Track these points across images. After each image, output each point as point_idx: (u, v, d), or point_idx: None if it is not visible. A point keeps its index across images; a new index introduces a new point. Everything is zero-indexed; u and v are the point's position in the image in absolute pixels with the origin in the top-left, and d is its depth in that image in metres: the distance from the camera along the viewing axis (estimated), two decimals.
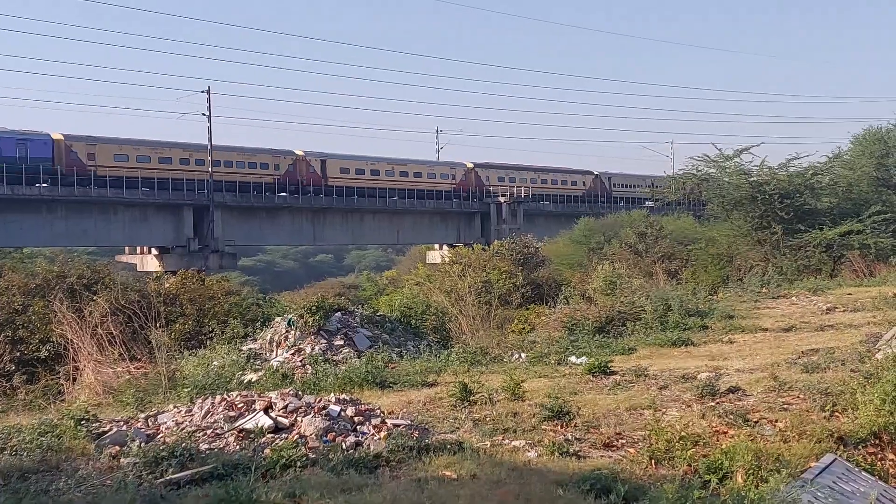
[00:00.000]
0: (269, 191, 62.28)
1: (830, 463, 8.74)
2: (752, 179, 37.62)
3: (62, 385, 15.65)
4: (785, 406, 11.05)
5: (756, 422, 10.30)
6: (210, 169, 58.72)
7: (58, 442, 9.59)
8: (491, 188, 74.67)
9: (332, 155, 67.97)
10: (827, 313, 20.93)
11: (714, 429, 9.95)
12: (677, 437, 9.00)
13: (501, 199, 73.42)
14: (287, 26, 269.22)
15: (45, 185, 52.40)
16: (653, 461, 8.73)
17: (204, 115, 60.96)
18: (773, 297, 25.08)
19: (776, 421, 10.32)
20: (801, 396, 11.47)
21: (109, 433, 10.08)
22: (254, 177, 61.88)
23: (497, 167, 78.41)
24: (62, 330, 16.66)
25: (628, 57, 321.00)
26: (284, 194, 63.32)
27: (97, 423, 10.53)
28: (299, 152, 65.72)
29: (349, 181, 66.85)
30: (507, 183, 76.05)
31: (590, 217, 56.99)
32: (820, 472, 8.36)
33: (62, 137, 55.04)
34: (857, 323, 18.73)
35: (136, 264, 59.80)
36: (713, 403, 11.20)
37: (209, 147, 59.50)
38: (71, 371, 15.74)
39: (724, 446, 8.81)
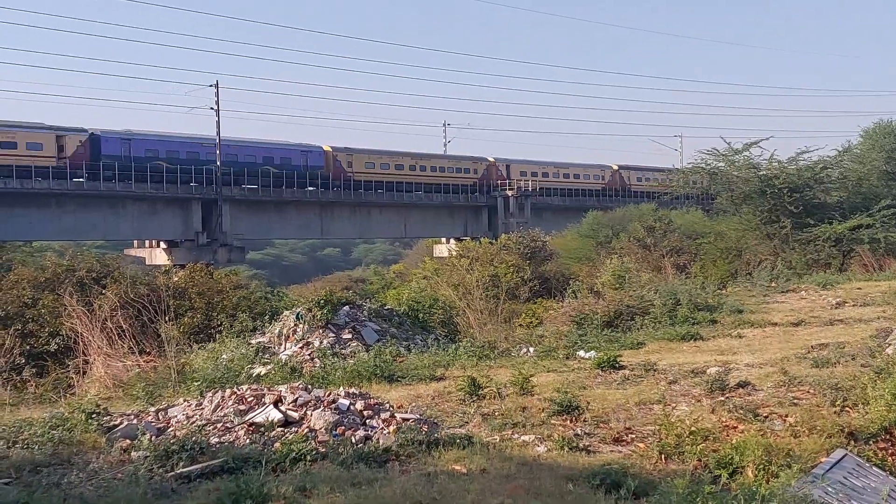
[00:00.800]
0: (301, 186, 63.51)
1: (841, 458, 8.72)
2: (761, 173, 37.54)
3: (72, 378, 15.70)
4: (795, 401, 11.03)
5: (766, 417, 10.28)
6: (218, 163, 58.81)
7: (69, 435, 9.63)
8: (512, 182, 75.26)
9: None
10: (836, 308, 20.88)
11: (724, 424, 9.93)
12: (687, 432, 8.99)
13: (509, 193, 73.33)
14: (297, 20, 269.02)
15: (60, 179, 52.77)
16: (663, 456, 8.72)
17: (212, 108, 61.02)
18: (783, 292, 25.02)
19: (786, 416, 10.30)
20: (812, 391, 11.44)
21: (120, 427, 10.11)
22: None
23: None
24: (72, 323, 16.71)
25: (637, 50, 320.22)
26: (293, 188, 63.46)
27: (108, 417, 10.56)
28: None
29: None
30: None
31: (598, 211, 56.87)
32: (831, 468, 8.34)
33: (330, 149, 66.34)
34: (867, 318, 18.68)
35: (144, 258, 59.88)
36: (723, 398, 11.18)
37: (217, 140, 59.56)
38: (81, 364, 15.80)
39: (734, 441, 8.80)
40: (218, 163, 58.70)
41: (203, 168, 58.41)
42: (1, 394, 14.21)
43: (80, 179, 53.50)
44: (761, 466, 8.01)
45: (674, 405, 10.92)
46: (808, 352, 14.52)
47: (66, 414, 10.48)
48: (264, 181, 60.45)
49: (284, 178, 61.55)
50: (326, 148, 66.00)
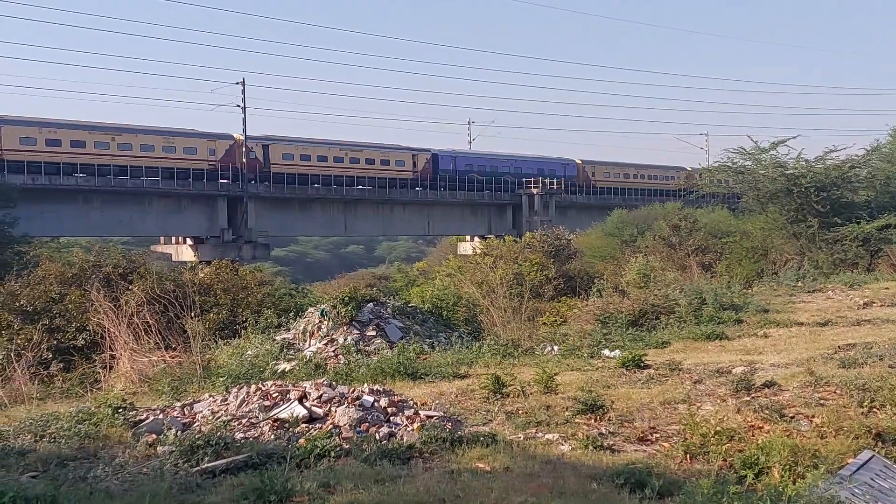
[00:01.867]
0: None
1: (868, 459, 8.64)
2: (787, 172, 37.23)
3: (99, 373, 15.79)
4: (821, 401, 10.93)
5: (792, 417, 10.20)
6: (244, 160, 59.13)
7: (95, 430, 9.71)
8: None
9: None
10: (864, 308, 20.72)
11: (749, 424, 9.86)
12: (712, 432, 8.93)
13: (534, 191, 73.19)
14: (319, 18, 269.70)
15: (82, 175, 53.40)
16: (687, 456, 8.68)
17: (239, 106, 61.35)
18: (809, 292, 24.86)
19: (813, 416, 10.21)
20: (838, 392, 11.33)
21: (146, 421, 10.17)
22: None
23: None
24: (98, 319, 16.82)
25: (662, 47, 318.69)
26: (318, 185, 64.06)
27: (134, 412, 10.63)
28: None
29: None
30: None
31: (622, 209, 56.68)
32: (857, 469, 8.26)
33: (580, 161, 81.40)
34: (895, 318, 18.50)
35: (171, 254, 60.37)
36: (748, 398, 11.10)
37: (244, 138, 59.89)
38: (107, 359, 15.89)
39: (759, 441, 8.73)
40: (244, 160, 59.10)
41: (502, 179, 74.36)
42: (28, 388, 14.31)
43: (109, 176, 54.09)
44: (787, 467, 7.94)
45: (699, 405, 10.86)
46: (835, 352, 14.40)
47: (93, 408, 10.56)
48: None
49: None
50: (577, 161, 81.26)
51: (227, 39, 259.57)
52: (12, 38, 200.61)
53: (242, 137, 61.06)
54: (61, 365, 16.73)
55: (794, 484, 7.32)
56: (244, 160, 60.38)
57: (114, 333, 15.96)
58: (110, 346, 15.96)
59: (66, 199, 53.89)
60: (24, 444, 9.38)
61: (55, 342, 18.27)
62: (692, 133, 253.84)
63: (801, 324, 18.34)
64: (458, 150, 77.36)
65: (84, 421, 9.99)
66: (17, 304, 19.59)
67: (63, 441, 9.37)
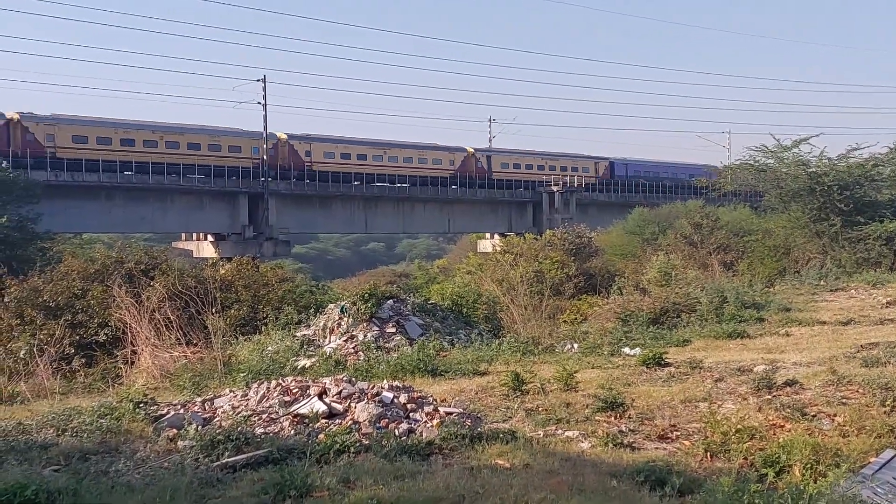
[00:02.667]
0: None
1: (891, 458, 8.56)
2: (810, 170, 36.91)
3: (120, 368, 15.90)
4: (843, 400, 10.84)
5: (814, 416, 10.12)
6: (264, 157, 59.37)
7: (117, 424, 9.77)
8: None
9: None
10: (887, 307, 20.53)
11: (771, 422, 9.80)
12: (733, 430, 8.88)
13: (554, 189, 73.06)
14: (336, 15, 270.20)
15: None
16: (708, 454, 8.63)
17: (260, 103, 61.60)
18: (832, 290, 24.67)
19: (835, 415, 10.13)
20: (861, 391, 11.24)
21: (167, 416, 10.23)
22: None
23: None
24: (120, 314, 16.91)
25: (684, 45, 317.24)
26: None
27: (155, 407, 10.69)
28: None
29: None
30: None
31: (644, 207, 56.49)
32: (880, 468, 8.20)
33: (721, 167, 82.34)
34: None
35: (192, 251, 60.72)
36: (770, 396, 11.03)
37: (264, 135, 60.14)
38: (129, 355, 15.99)
39: (781, 440, 8.67)
40: (264, 157, 59.40)
41: (661, 183, 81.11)
42: (51, 383, 14.44)
43: (129, 173, 54.48)
44: (809, 466, 7.88)
45: (720, 403, 10.80)
46: (858, 351, 14.28)
47: (115, 403, 10.64)
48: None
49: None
50: (719, 166, 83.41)
51: (247, 37, 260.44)
52: (36, 37, 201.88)
53: (286, 136, 63.32)
54: (83, 360, 16.85)
55: (815, 483, 7.27)
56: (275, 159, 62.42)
57: (135, 329, 16.05)
58: (132, 342, 16.06)
59: (88, 195, 54.28)
60: (47, 438, 9.47)
61: (77, 337, 18.39)
62: (714, 131, 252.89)
63: (824, 323, 18.21)
64: (628, 158, 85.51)
65: (106, 415, 10.06)
66: (41, 299, 19.73)
67: (85, 435, 9.44)
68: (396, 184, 67.93)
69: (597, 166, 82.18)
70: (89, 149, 54.04)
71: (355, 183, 65.11)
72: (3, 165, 44.99)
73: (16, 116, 52.77)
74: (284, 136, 63.43)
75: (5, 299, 20.01)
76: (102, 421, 9.83)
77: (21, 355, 16.19)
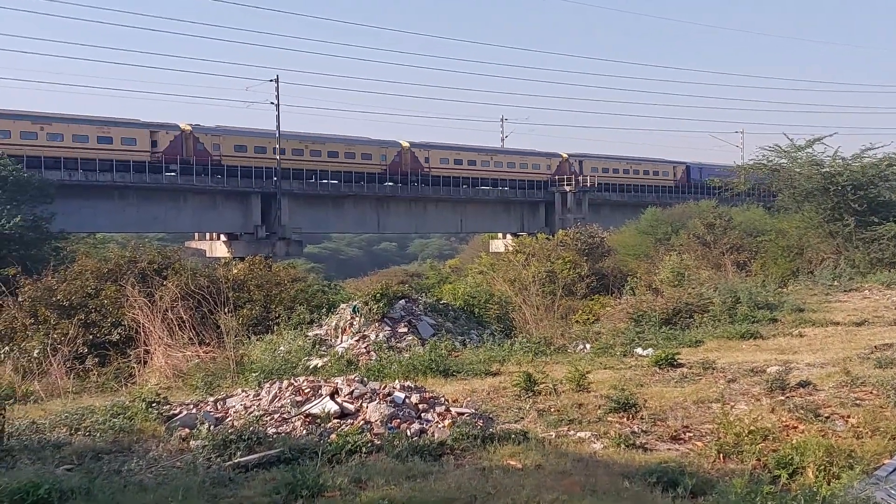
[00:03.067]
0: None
1: None
2: (824, 170, 36.76)
3: (133, 368, 15.96)
4: (857, 401, 10.78)
5: (827, 417, 10.07)
6: (278, 157, 59.51)
7: (129, 423, 9.80)
8: (587, 178, 76.52)
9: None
10: None
11: (784, 423, 9.75)
12: (746, 431, 8.84)
13: (567, 189, 72.98)
14: (353, 16, 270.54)
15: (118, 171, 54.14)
16: (721, 455, 8.59)
17: (272, 103, 61.72)
18: (845, 291, 24.57)
19: (848, 416, 10.08)
20: (875, 392, 11.18)
21: (179, 416, 10.26)
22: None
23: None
24: (133, 314, 16.97)
25: (698, 45, 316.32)
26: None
27: (167, 406, 10.72)
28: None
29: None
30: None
31: (657, 207, 56.34)
32: (894, 470, 8.15)
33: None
34: None
35: (205, 250, 60.89)
36: (783, 397, 10.98)
37: (277, 135, 60.28)
38: (142, 354, 16.05)
39: (794, 441, 8.62)
40: (278, 157, 59.49)
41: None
42: (64, 382, 14.50)
43: (144, 173, 54.69)
44: (822, 467, 7.84)
45: (732, 404, 10.75)
46: (872, 352, 14.21)
47: (127, 402, 10.67)
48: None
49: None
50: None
51: (259, 37, 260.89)
52: (49, 38, 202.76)
53: (408, 145, 67.55)
54: (96, 359, 16.93)
55: (828, 484, 7.24)
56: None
57: (148, 328, 16.11)
58: (145, 341, 16.12)
59: (102, 195, 54.48)
60: (60, 437, 9.51)
61: (91, 337, 18.48)
62: (728, 131, 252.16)
63: (837, 323, 18.13)
64: (703, 162, 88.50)
65: (118, 415, 10.10)
66: (54, 298, 19.84)
67: (98, 434, 9.48)
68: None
69: (675, 170, 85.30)
70: (249, 157, 59.35)
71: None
72: (11, 164, 45.06)
73: (188, 128, 57.43)
74: (407, 145, 68.49)
75: (19, 298, 20.12)
76: (115, 420, 9.86)
77: (35, 354, 16.27)
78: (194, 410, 10.54)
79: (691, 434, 9.61)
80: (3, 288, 20.25)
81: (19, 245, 39.44)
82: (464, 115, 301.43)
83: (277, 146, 59.70)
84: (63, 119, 52.84)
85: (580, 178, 74.41)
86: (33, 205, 43.96)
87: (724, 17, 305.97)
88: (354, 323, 18.04)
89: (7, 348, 16.99)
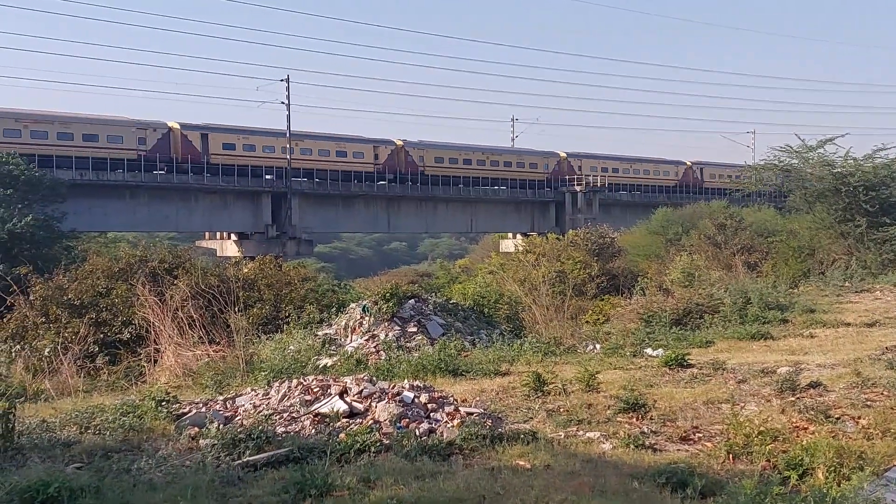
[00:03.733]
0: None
1: None
2: (835, 171, 36.65)
3: (143, 367, 16.01)
4: (868, 403, 10.74)
5: (838, 418, 10.03)
6: (289, 157, 59.60)
7: (139, 422, 9.83)
8: (581, 178, 75.23)
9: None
10: None
11: (794, 424, 9.71)
12: (756, 432, 8.80)
13: (577, 189, 72.87)
14: (360, 15, 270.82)
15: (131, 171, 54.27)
16: (730, 456, 8.56)
17: (283, 103, 61.81)
18: (857, 292, 24.48)
19: (859, 418, 10.04)
20: (886, 393, 11.13)
21: (189, 414, 10.28)
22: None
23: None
24: (144, 313, 17.02)
25: (710, 45, 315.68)
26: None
27: (177, 405, 10.73)
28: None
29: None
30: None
31: (668, 207, 56.20)
32: None
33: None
34: None
35: (215, 250, 61.01)
36: (793, 398, 10.94)
37: (287, 134, 60.36)
38: (152, 353, 16.09)
39: (804, 442, 8.59)
40: (289, 157, 59.56)
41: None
42: (75, 381, 14.55)
43: (156, 172, 54.85)
44: (832, 468, 7.81)
45: (742, 405, 10.72)
46: (883, 353, 14.15)
47: (137, 401, 10.70)
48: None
49: None
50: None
51: (271, 37, 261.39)
52: (62, 36, 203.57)
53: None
54: (107, 358, 16.98)
55: (838, 486, 7.21)
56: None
57: (159, 327, 16.15)
58: (155, 340, 16.16)
59: (113, 194, 54.63)
60: (70, 435, 9.54)
61: (101, 336, 18.54)
62: (739, 131, 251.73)
63: (849, 324, 18.07)
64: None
65: (128, 413, 10.12)
66: (65, 297, 19.91)
67: (108, 433, 9.51)
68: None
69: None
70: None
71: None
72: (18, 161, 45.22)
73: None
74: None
75: (31, 297, 20.19)
76: (125, 419, 9.89)
77: (46, 353, 16.31)
78: (204, 409, 10.56)
79: (701, 435, 9.59)
80: (15, 287, 20.34)
81: (31, 244, 39.65)
82: (473, 115, 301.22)
83: (288, 145, 59.73)
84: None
85: (578, 177, 74.08)
86: (45, 204, 44.17)
87: (736, 17, 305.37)
88: (364, 322, 18.05)
89: (18, 347, 17.04)
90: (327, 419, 9.59)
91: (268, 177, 60.24)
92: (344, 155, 64.13)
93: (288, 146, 59.90)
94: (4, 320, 19.24)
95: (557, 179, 74.60)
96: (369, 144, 65.88)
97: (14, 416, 9.18)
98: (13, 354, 16.21)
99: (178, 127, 57.06)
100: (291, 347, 16.68)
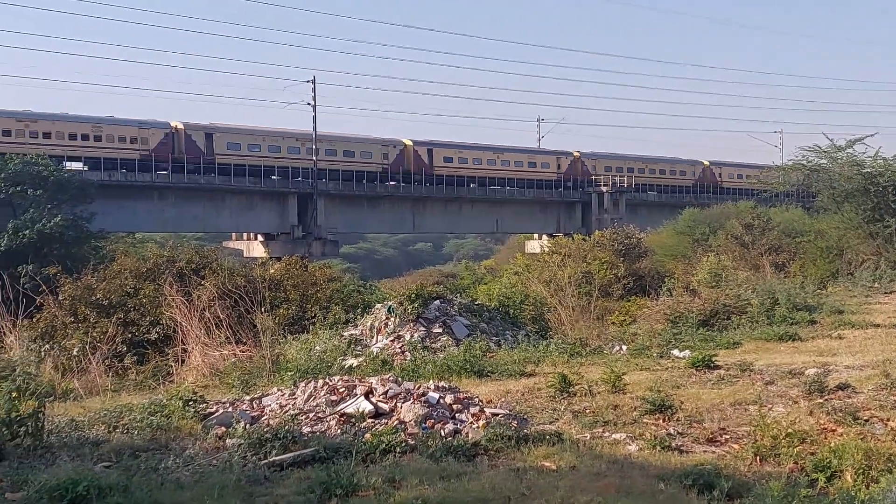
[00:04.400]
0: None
1: None
2: (864, 171, 36.30)
3: (171, 366, 16.11)
4: None
5: (866, 420, 9.94)
6: (315, 157, 59.84)
7: (167, 421, 9.90)
8: (595, 178, 74.32)
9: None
10: None
11: (822, 426, 9.64)
12: (783, 434, 8.75)
13: (603, 189, 72.65)
14: (385, 15, 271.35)
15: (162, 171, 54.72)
16: (758, 458, 8.51)
17: (309, 104, 62.06)
18: (886, 293, 24.28)
19: (888, 420, 9.95)
20: None
21: (216, 414, 10.34)
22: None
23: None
24: (171, 313, 17.13)
25: (737, 44, 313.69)
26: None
27: (204, 405, 10.79)
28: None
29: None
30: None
31: (695, 207, 55.87)
32: None
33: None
34: None
35: (242, 250, 61.32)
36: (821, 400, 10.86)
37: (314, 136, 60.60)
38: (179, 353, 16.20)
39: (832, 444, 8.53)
40: (315, 158, 59.77)
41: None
42: (103, 380, 14.67)
43: (182, 174, 55.24)
44: (861, 471, 7.74)
45: (770, 406, 10.65)
46: None
47: (165, 401, 10.76)
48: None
49: None
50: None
51: (298, 38, 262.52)
52: (90, 38, 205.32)
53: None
54: (135, 358, 17.07)
55: (867, 488, 7.16)
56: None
57: (186, 327, 16.25)
58: (182, 340, 16.26)
59: (141, 195, 55.12)
60: (99, 434, 9.63)
61: (129, 335, 18.65)
62: (767, 130, 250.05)
63: (878, 325, 17.91)
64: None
65: (156, 413, 10.20)
66: (94, 297, 20.06)
67: (136, 432, 9.59)
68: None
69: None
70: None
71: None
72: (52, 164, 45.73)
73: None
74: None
75: (60, 297, 20.37)
76: (153, 418, 9.97)
77: (74, 353, 16.47)
78: (230, 409, 10.61)
79: (728, 436, 9.54)
80: (44, 287, 20.52)
81: (60, 244, 40.11)
82: (497, 115, 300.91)
83: (314, 146, 59.94)
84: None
85: (604, 178, 73.73)
86: (73, 204, 44.62)
87: (762, 17, 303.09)
88: (389, 323, 18.06)
89: (47, 346, 17.19)
90: (353, 419, 9.62)
91: (273, 177, 60.35)
92: (352, 155, 63.84)
93: (314, 147, 60.11)
94: (34, 320, 19.39)
95: (570, 179, 74.24)
96: (377, 144, 65.72)
97: (43, 414, 9.28)
98: (42, 354, 16.35)
99: (181, 127, 57.40)
100: (317, 348, 16.73)
